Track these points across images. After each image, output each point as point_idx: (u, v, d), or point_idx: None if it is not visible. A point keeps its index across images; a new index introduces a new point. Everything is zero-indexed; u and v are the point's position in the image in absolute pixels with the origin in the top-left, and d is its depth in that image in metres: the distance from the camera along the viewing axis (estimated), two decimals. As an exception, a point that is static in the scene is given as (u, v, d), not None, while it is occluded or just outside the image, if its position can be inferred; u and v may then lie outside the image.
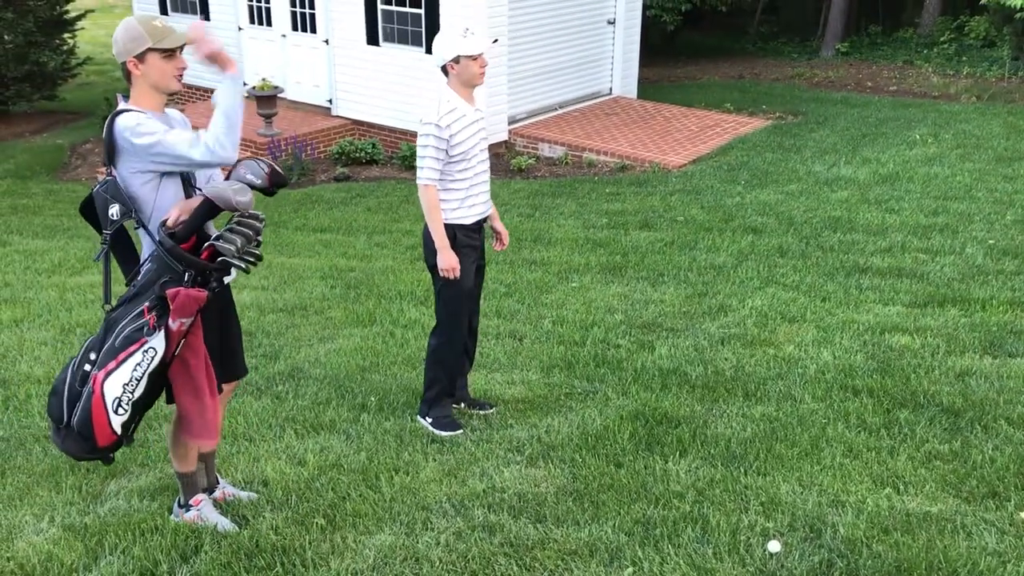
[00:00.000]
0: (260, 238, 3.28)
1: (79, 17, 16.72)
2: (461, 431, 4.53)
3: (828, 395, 4.77)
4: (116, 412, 3.15)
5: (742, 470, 3.99)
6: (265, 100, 11.81)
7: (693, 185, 9.81)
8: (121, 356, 3.14)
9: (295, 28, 13.04)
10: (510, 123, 12.01)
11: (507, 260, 7.65)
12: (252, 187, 3.22)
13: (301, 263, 8.08)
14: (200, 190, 3.30)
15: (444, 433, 4.51)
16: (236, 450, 4.35)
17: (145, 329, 3.14)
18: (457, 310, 4.47)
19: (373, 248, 8.42)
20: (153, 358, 3.15)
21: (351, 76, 12.57)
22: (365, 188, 10.92)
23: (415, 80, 11.66)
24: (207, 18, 13.96)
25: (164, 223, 3.19)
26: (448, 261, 4.29)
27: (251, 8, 13.47)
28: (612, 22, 13.31)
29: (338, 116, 12.88)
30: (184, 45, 3.25)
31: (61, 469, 4.22)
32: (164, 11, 14.49)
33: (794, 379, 5.02)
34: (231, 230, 3.20)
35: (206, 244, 3.21)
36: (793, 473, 3.96)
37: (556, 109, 12.84)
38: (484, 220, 4.47)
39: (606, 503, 3.74)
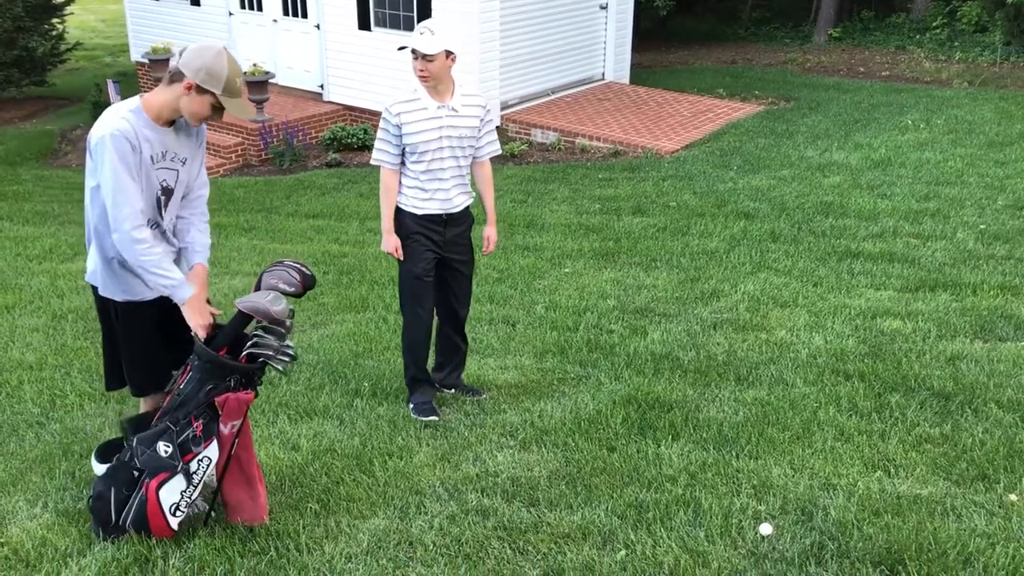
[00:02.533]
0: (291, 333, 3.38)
1: (68, 2, 16.59)
2: (436, 418, 4.52)
3: (820, 379, 4.80)
4: (174, 515, 3.29)
5: (734, 454, 4.01)
6: (256, 86, 11.75)
7: (686, 171, 9.81)
8: (179, 466, 3.25)
9: (286, 13, 12.97)
10: (502, 109, 11.98)
11: (500, 246, 7.65)
12: (286, 294, 3.31)
13: (293, 249, 8.07)
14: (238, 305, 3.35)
15: (419, 418, 4.52)
16: (229, 436, 4.36)
17: (193, 437, 3.24)
18: (411, 296, 4.48)
19: (366, 234, 8.41)
20: (208, 466, 3.27)
21: (343, 61, 12.51)
22: (357, 174, 10.89)
23: (407, 65, 11.60)
24: (196, 3, 13.87)
25: (196, 335, 3.28)
26: (387, 244, 4.40)
27: (242, -7, 13.39)
28: (604, 7, 13.27)
29: (329, 102, 12.83)
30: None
31: (54, 455, 4.22)
32: (154, -4, 14.38)
33: (786, 363, 5.04)
34: (265, 330, 3.27)
35: (245, 351, 3.27)
36: (785, 457, 3.98)
37: (549, 95, 12.81)
38: (452, 216, 4.40)
39: (599, 487, 3.76)
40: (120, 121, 3.18)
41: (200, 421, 3.24)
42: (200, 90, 3.18)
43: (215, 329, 3.35)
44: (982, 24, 16.83)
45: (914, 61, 15.69)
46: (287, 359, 3.30)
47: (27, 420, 4.69)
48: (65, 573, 3.24)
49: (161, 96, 3.25)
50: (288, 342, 3.32)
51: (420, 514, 3.60)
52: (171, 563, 3.26)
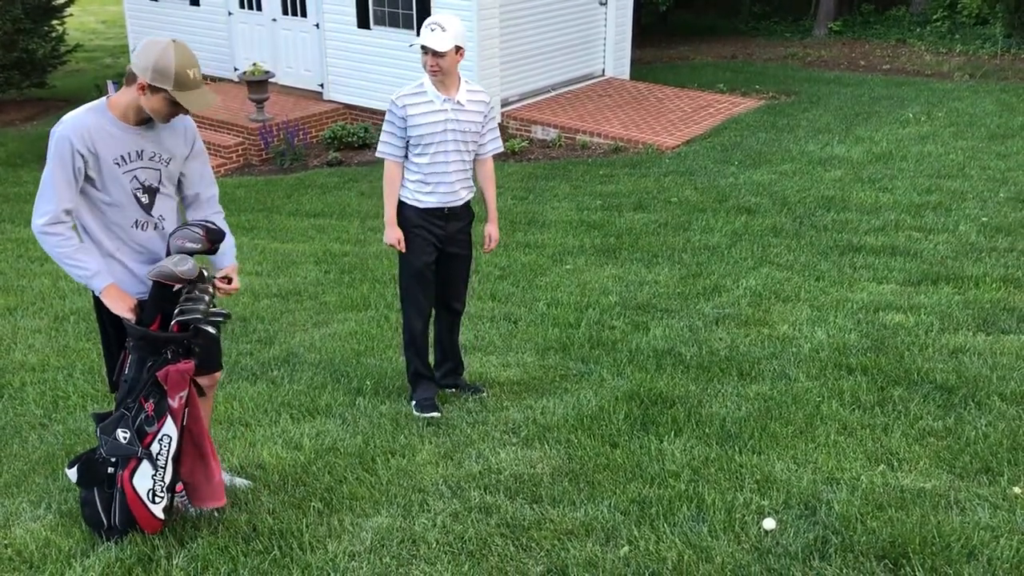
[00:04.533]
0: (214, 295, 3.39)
1: (68, 3, 16.57)
2: (438, 415, 4.52)
3: (822, 373, 4.79)
4: (153, 502, 3.30)
5: (737, 449, 4.00)
6: (256, 85, 11.75)
7: (687, 166, 9.80)
8: (139, 452, 3.26)
9: (285, 12, 12.96)
10: (503, 105, 11.97)
11: (501, 243, 7.64)
12: (193, 252, 3.28)
13: (295, 248, 8.07)
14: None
15: (420, 415, 4.52)
16: (232, 435, 4.36)
17: (146, 419, 3.25)
18: (411, 289, 4.50)
19: (367, 233, 8.41)
20: (171, 443, 3.27)
21: (342, 60, 12.50)
22: (358, 172, 10.89)
23: (407, 63, 11.60)
24: (196, 3, 13.86)
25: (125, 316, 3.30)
26: (389, 236, 4.42)
27: (241, -8, 13.38)
28: (604, 3, 13.24)
29: (330, 100, 12.82)
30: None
31: (57, 456, 4.22)
32: (153, -4, 14.38)
33: (788, 358, 5.03)
34: (190, 299, 3.28)
35: (173, 321, 3.27)
36: (788, 451, 3.97)
37: (549, 91, 12.80)
38: (453, 210, 4.41)
39: (602, 483, 3.76)
40: (74, 120, 3.15)
41: (150, 401, 3.25)
42: (153, 89, 3.10)
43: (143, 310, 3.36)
44: (983, 16, 16.77)
45: (915, 54, 15.66)
46: (220, 319, 3.32)
47: (30, 422, 4.69)
48: (69, 574, 3.24)
49: (123, 98, 3.21)
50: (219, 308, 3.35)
51: (423, 512, 3.60)
52: (175, 563, 3.26)
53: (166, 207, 3.42)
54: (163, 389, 3.25)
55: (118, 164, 3.23)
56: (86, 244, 3.27)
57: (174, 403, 3.26)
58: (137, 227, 3.33)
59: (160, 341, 3.27)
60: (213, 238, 3.33)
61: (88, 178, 3.20)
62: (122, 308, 3.28)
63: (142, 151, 3.28)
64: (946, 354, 4.96)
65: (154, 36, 3.19)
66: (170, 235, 3.33)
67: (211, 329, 3.29)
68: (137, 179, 3.29)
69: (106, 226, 3.30)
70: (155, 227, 3.38)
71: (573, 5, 12.77)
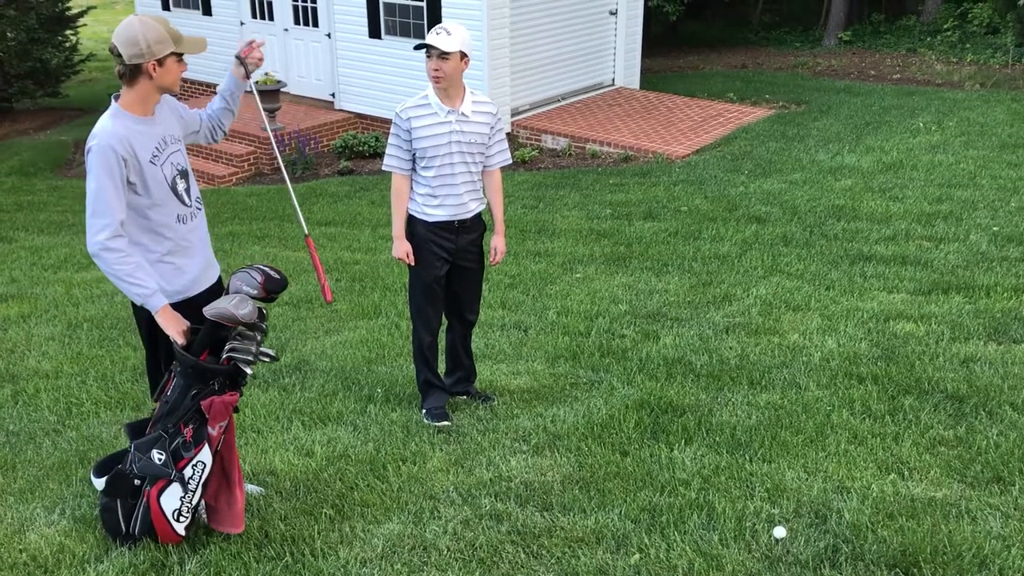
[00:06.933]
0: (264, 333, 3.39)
1: (81, 14, 16.72)
2: (448, 423, 4.53)
3: (833, 382, 4.79)
4: (178, 520, 3.33)
5: (747, 457, 4.00)
6: (268, 95, 11.81)
7: (697, 175, 9.81)
8: (172, 474, 3.29)
9: (297, 22, 13.04)
10: (513, 115, 12.01)
11: (511, 252, 7.66)
12: (250, 296, 3.29)
13: (306, 256, 8.10)
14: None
15: (432, 424, 4.54)
16: (244, 442, 4.38)
17: (183, 443, 3.27)
18: (420, 301, 4.50)
19: (378, 241, 8.44)
20: (204, 470, 3.30)
21: (354, 69, 12.57)
22: (369, 181, 10.94)
23: (418, 73, 11.65)
24: (208, 13, 13.97)
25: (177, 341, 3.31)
26: (397, 250, 4.40)
27: (253, 2, 13.47)
28: (614, 13, 13.28)
29: (341, 110, 12.88)
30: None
31: (71, 462, 4.25)
32: (166, 7, 14.49)
33: (799, 367, 5.03)
34: (242, 336, 3.28)
35: (224, 356, 3.28)
36: (798, 460, 3.97)
37: (559, 100, 12.83)
38: (464, 223, 4.40)
39: (612, 491, 3.77)
40: (106, 130, 3.19)
41: (190, 427, 3.28)
42: (160, 61, 3.21)
43: (194, 333, 3.35)
44: (993, 26, 16.75)
45: (925, 63, 15.64)
46: (267, 359, 3.34)
47: (44, 428, 4.72)
48: (83, 579, 3.27)
49: (133, 94, 3.26)
50: (264, 348, 3.36)
51: (434, 519, 3.61)
52: (187, 568, 3.29)
53: (196, 184, 3.49)
54: (204, 417, 3.26)
55: (156, 157, 3.28)
56: (141, 260, 3.28)
57: (213, 431, 3.28)
58: (180, 221, 3.37)
59: (209, 372, 3.27)
60: (270, 287, 3.33)
61: (129, 183, 3.24)
62: (175, 330, 3.29)
63: (164, 137, 3.36)
64: (957, 363, 4.95)
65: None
66: (232, 274, 3.34)
67: (248, 371, 3.28)
68: (174, 165, 3.36)
69: (153, 230, 3.33)
70: (193, 216, 3.44)
71: (583, 15, 12.81)
